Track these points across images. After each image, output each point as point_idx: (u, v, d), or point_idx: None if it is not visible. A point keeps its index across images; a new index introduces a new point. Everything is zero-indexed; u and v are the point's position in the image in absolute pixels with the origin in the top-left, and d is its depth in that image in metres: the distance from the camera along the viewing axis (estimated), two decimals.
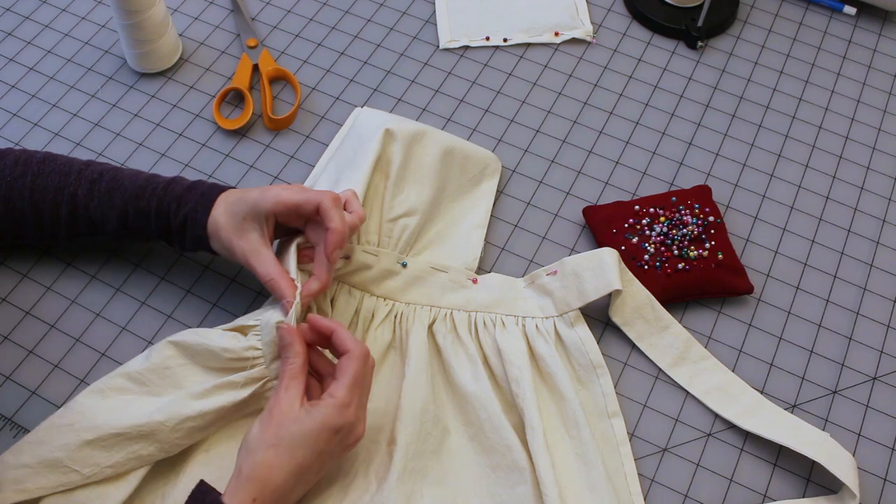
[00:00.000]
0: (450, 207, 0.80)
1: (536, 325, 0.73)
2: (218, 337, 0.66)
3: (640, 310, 0.75)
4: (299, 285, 0.65)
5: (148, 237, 0.73)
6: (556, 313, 0.74)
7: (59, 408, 0.65)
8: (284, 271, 0.66)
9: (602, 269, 0.73)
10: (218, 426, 0.66)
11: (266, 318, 0.65)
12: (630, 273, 0.75)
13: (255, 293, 0.77)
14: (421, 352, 0.71)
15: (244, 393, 0.65)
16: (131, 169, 0.74)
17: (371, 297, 0.74)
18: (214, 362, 0.66)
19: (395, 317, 0.74)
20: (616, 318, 0.75)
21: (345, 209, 0.69)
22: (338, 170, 0.80)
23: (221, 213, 0.68)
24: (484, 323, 0.73)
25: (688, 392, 0.73)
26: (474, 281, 0.76)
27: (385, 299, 0.74)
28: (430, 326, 0.73)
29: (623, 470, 0.68)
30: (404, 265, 0.75)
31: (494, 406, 0.68)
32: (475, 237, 0.79)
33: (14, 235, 0.74)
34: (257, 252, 0.67)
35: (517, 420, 0.69)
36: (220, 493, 0.58)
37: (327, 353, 0.67)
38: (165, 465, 0.66)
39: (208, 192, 0.70)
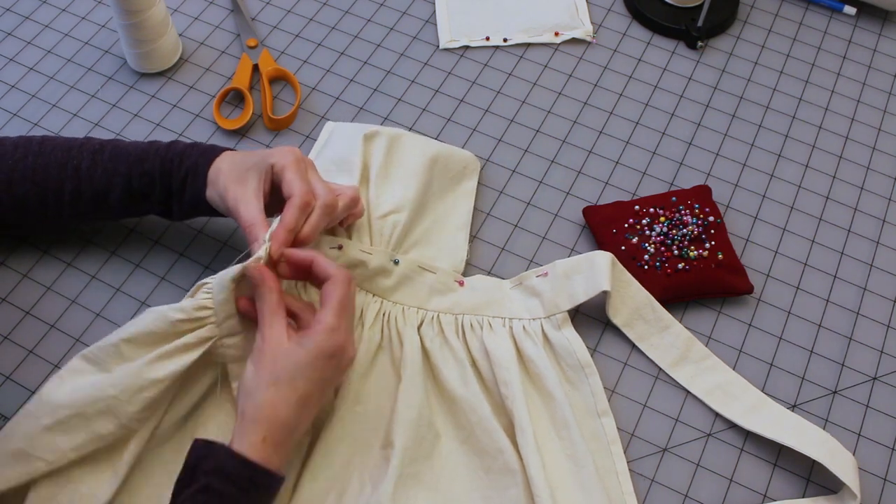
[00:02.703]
0: (435, 206, 0.80)
1: (524, 327, 0.73)
2: (165, 308, 0.66)
3: (639, 310, 0.75)
4: (267, 236, 0.65)
5: (151, 202, 0.73)
6: (544, 315, 0.74)
7: None
8: (267, 221, 0.66)
9: (593, 272, 0.73)
10: (175, 394, 0.66)
11: (219, 277, 0.65)
12: (629, 274, 0.75)
13: None
14: (415, 355, 0.71)
15: (195, 354, 0.64)
16: (131, 140, 0.74)
17: (360, 293, 0.74)
18: (163, 325, 0.64)
19: (384, 316, 0.73)
20: (616, 320, 0.75)
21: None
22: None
23: (226, 162, 0.69)
24: (471, 325, 0.73)
25: (688, 392, 0.73)
26: (461, 283, 0.76)
27: (374, 296, 0.74)
28: (419, 329, 0.73)
29: (615, 469, 0.68)
30: (396, 262, 0.75)
31: (484, 409, 0.68)
32: (460, 239, 0.79)
33: (17, 223, 0.74)
34: (248, 201, 0.67)
35: (507, 422, 0.68)
36: (224, 444, 0.57)
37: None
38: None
39: (212, 148, 0.71)
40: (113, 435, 0.62)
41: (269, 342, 0.60)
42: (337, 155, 0.81)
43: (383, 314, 0.74)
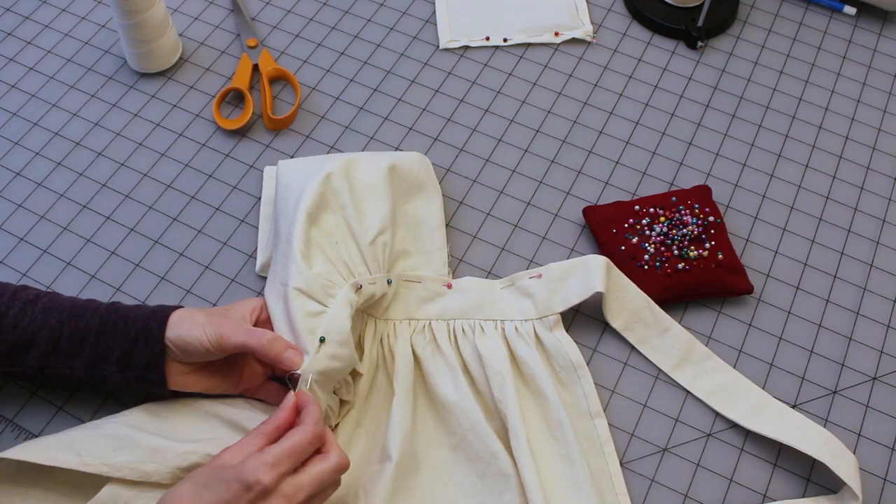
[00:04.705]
0: (405, 215, 0.77)
1: (516, 328, 0.73)
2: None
3: (639, 314, 0.75)
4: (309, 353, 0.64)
5: (73, 367, 0.64)
6: (536, 316, 0.74)
7: (62, 410, 0.65)
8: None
9: (587, 275, 0.73)
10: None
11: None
12: (626, 278, 0.75)
13: (254, 294, 0.77)
14: (408, 370, 0.70)
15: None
16: (70, 296, 0.68)
17: (364, 320, 0.73)
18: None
19: (379, 338, 0.73)
20: (615, 324, 0.75)
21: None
22: (284, 228, 0.73)
23: (191, 312, 0.65)
24: (463, 330, 0.73)
25: (688, 392, 0.73)
26: (449, 286, 0.76)
27: (368, 317, 0.73)
28: (411, 339, 0.72)
29: (608, 470, 0.68)
30: (389, 282, 0.73)
31: (477, 414, 0.68)
32: (438, 241, 0.78)
33: None
34: (241, 327, 0.64)
35: (500, 426, 0.68)
36: None
37: None
38: None
39: (161, 308, 0.66)
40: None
41: (231, 447, 0.58)
42: (290, 195, 0.74)
43: (379, 337, 0.73)
